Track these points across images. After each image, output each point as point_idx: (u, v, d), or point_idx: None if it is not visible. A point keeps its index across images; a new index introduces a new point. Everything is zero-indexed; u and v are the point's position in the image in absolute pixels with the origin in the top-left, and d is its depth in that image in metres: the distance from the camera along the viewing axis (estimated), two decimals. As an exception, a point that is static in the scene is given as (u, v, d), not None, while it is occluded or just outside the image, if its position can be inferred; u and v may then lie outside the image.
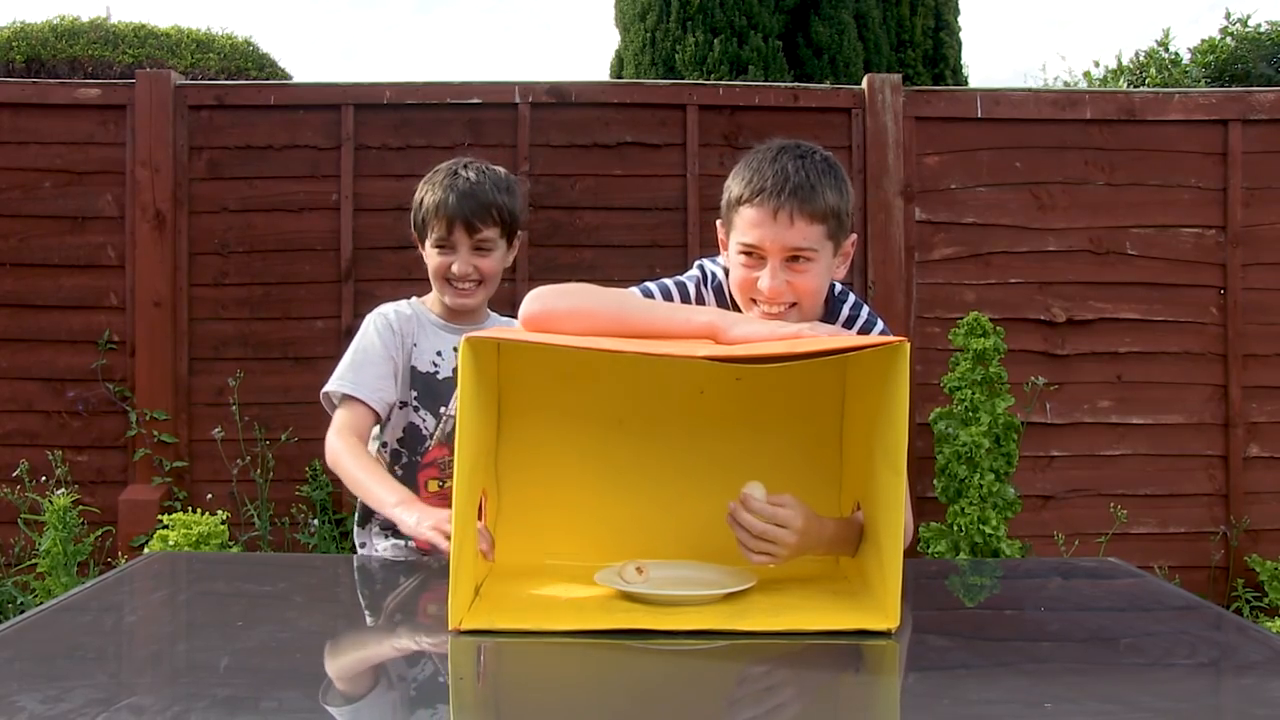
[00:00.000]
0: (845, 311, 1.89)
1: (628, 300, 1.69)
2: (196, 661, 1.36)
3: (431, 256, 2.16)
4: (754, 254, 1.73)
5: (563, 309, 1.62)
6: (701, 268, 1.90)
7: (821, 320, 1.82)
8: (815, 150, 1.76)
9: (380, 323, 2.16)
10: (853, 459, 1.68)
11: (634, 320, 1.61)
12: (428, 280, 2.19)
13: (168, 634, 1.51)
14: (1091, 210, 4.50)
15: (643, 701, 1.22)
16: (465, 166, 2.15)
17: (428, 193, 2.14)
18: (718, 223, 1.85)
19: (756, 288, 1.73)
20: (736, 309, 1.82)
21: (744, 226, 1.72)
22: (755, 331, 1.58)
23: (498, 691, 1.30)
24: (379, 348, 2.12)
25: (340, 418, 2.06)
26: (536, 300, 1.64)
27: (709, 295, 1.87)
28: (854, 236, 1.81)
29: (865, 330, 1.88)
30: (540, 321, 1.62)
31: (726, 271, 1.85)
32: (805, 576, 1.65)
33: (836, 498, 1.72)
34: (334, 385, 2.09)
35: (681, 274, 1.91)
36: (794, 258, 1.71)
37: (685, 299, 1.85)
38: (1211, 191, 4.52)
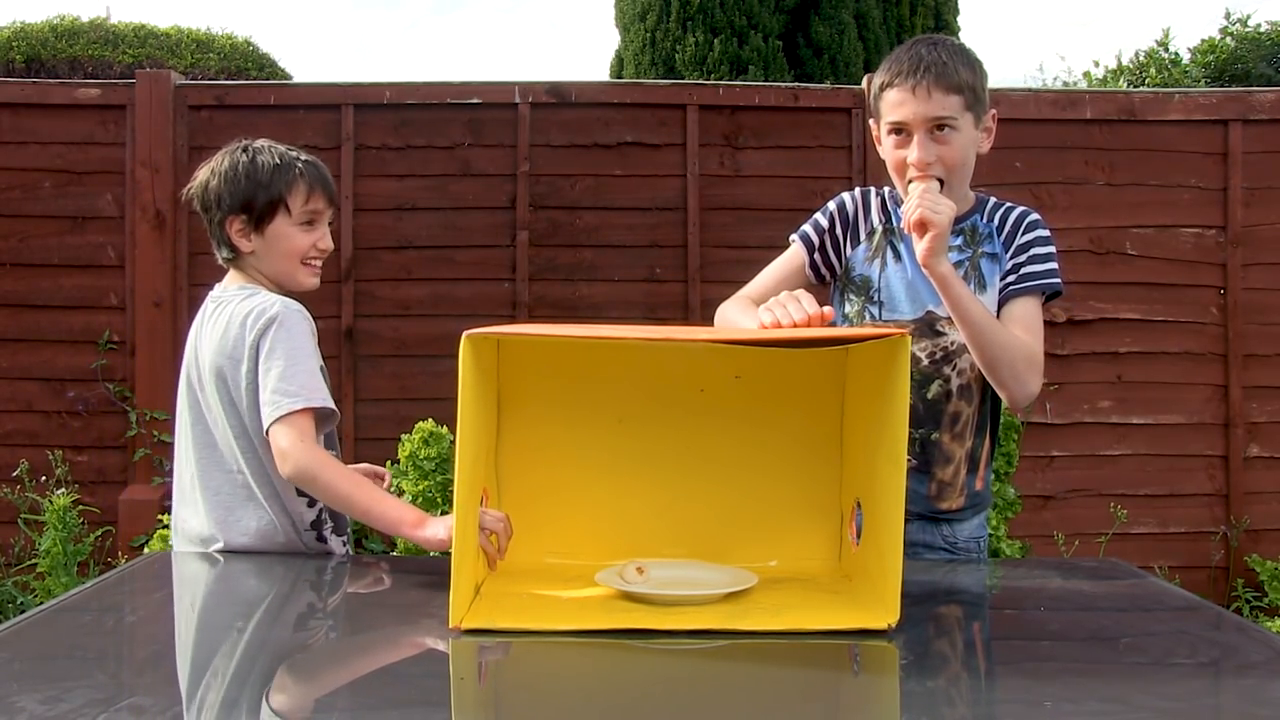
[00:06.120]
0: (991, 201, 2.05)
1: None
2: (196, 661, 1.36)
3: None
4: (901, 131, 1.90)
5: None
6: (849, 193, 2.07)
7: (970, 212, 2.01)
8: (946, 38, 1.99)
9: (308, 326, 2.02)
10: (853, 454, 1.68)
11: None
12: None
13: (168, 634, 1.51)
14: (1091, 210, 4.50)
15: (643, 701, 1.22)
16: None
17: None
18: (870, 121, 2.02)
19: (907, 162, 1.89)
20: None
21: (889, 108, 1.91)
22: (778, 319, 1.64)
23: (498, 691, 1.30)
24: (313, 349, 1.98)
25: (308, 429, 1.87)
26: None
27: (856, 203, 2.05)
28: (994, 112, 1.98)
29: (1019, 221, 2.06)
30: None
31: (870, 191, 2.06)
32: (805, 576, 1.65)
33: (837, 493, 1.72)
34: (321, 401, 1.90)
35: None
36: (937, 127, 1.89)
37: (838, 218, 2.04)
38: (1211, 191, 4.52)
